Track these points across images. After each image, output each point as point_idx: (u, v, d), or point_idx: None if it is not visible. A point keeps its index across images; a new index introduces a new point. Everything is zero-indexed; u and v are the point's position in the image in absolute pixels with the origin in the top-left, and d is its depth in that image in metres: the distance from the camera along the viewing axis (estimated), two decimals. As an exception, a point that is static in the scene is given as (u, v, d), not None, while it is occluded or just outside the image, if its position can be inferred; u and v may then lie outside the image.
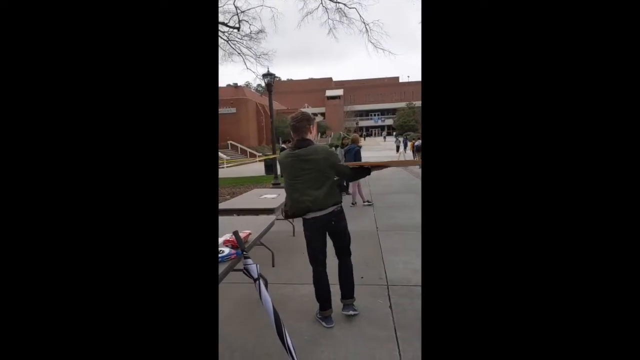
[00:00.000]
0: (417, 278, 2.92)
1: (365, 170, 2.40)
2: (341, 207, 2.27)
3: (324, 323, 2.25)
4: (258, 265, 1.82)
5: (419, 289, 2.73)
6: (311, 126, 2.30)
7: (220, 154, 20.77)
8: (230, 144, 24.65)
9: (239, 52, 12.61)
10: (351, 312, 2.32)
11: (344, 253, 2.37)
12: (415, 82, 52.75)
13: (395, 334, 2.11)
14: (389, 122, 53.20)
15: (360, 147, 6.59)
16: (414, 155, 14.08)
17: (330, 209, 2.19)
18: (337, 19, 14.06)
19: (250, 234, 2.22)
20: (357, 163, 2.70)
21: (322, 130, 37.66)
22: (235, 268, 1.90)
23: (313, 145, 2.24)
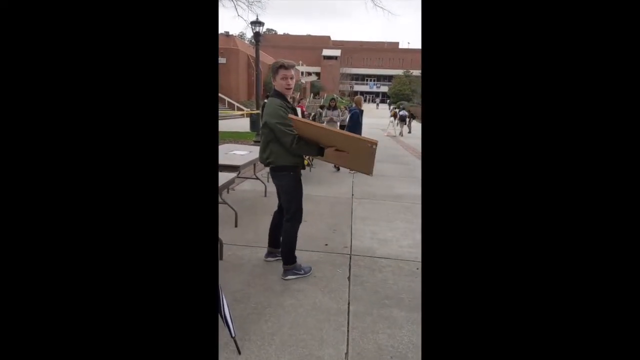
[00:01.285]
0: (382, 249, 2.81)
1: (317, 150, 2.09)
2: (281, 167, 2.15)
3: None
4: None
5: (382, 260, 2.62)
6: (276, 75, 2.16)
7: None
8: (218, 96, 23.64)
9: (230, -5, 11.65)
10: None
11: (285, 214, 2.28)
12: (416, 50, 50.79)
13: (348, 307, 1.99)
14: (385, 89, 51.79)
15: (362, 110, 6.16)
16: (399, 125, 13.65)
17: (270, 167, 2.22)
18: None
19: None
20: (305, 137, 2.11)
21: (316, 91, 36.54)
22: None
23: (272, 98, 2.16)
